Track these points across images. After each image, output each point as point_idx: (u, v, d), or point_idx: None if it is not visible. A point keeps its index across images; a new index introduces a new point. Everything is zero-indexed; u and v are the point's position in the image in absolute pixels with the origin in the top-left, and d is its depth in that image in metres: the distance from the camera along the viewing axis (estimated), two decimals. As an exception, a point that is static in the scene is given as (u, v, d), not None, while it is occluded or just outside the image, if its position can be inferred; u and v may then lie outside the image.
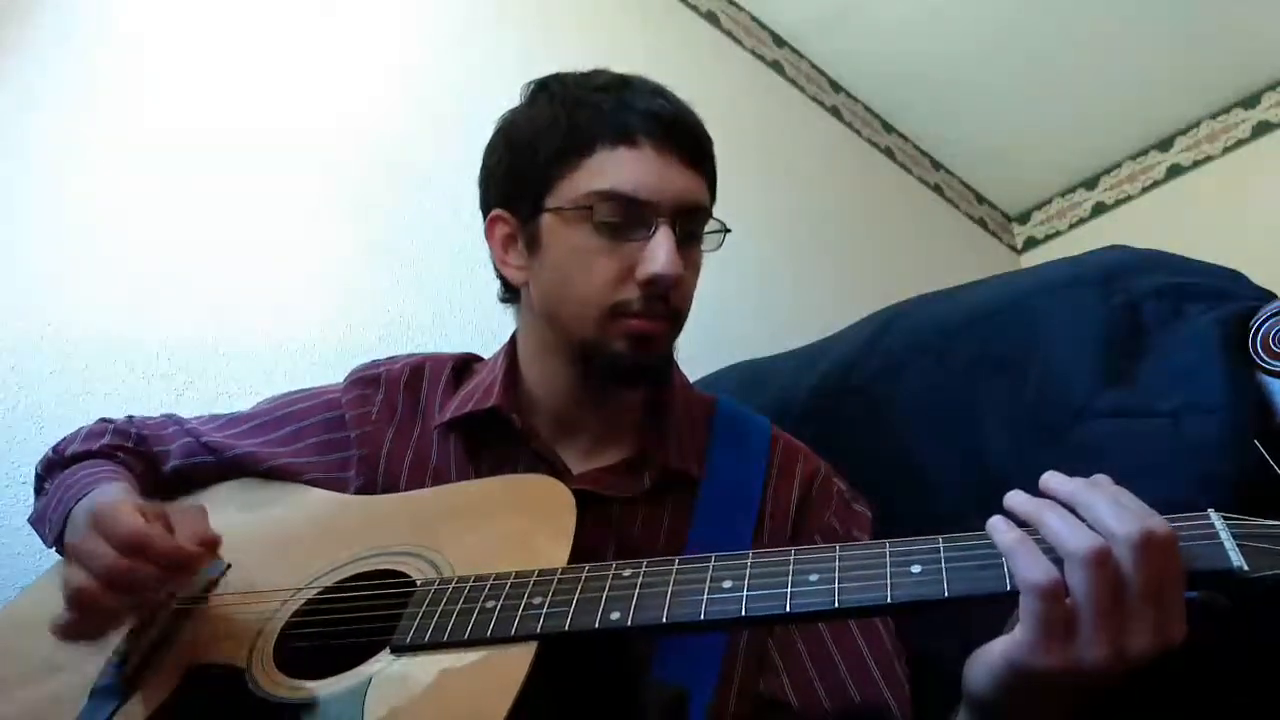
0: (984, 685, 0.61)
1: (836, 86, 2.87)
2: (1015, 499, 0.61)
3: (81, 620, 0.73)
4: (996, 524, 0.61)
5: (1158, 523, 0.56)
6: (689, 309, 0.94)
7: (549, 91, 0.95)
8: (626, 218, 0.87)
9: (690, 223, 0.91)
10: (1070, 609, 0.56)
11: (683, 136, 0.91)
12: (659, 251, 0.86)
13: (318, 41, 1.77)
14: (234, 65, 1.65)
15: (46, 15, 1.49)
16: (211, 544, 0.76)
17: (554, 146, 0.90)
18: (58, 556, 0.92)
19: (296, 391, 1.06)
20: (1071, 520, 0.58)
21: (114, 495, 0.86)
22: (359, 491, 0.94)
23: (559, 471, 0.92)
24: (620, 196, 0.87)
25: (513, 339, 1.02)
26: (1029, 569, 0.57)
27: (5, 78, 1.42)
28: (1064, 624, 0.56)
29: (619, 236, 0.88)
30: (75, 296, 1.36)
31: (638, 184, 0.87)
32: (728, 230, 0.96)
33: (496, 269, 0.99)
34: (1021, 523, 0.60)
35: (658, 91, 0.94)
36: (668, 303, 0.89)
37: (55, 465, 0.98)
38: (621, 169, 0.88)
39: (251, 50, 1.68)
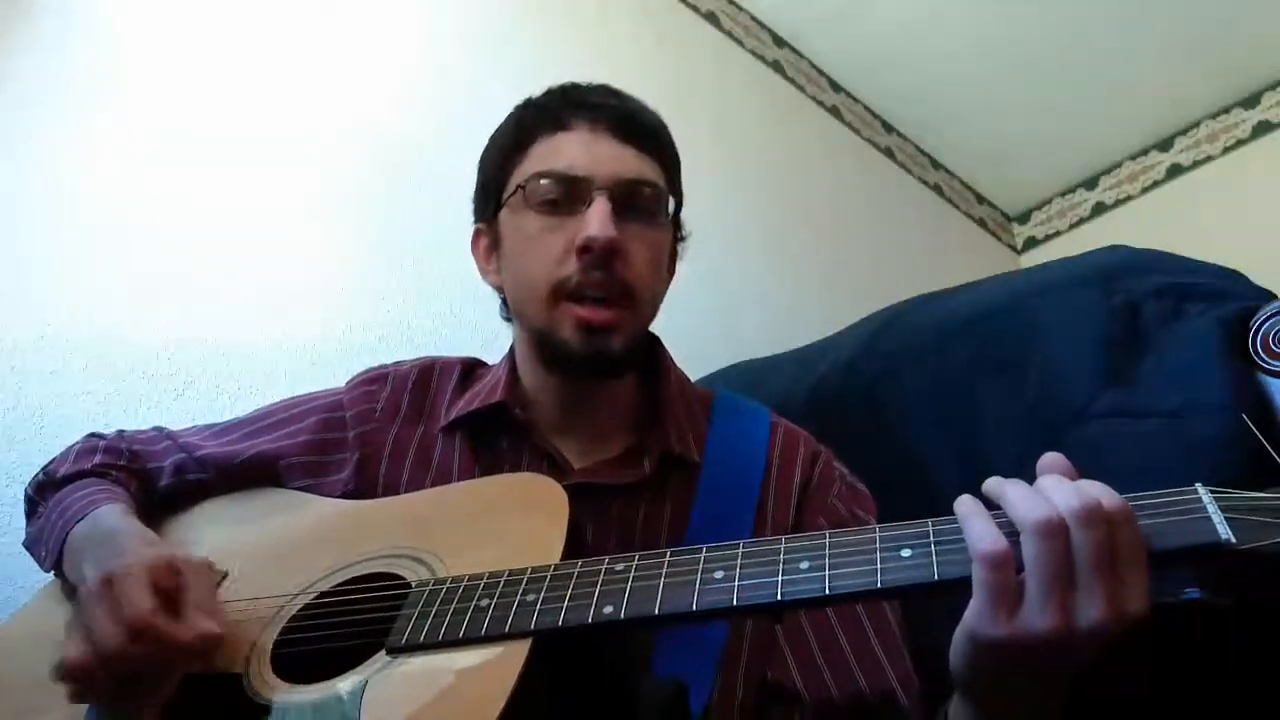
0: (954, 662, 0.62)
1: (836, 86, 2.87)
2: (990, 482, 0.62)
3: (77, 690, 0.71)
4: (962, 498, 0.62)
5: (1109, 498, 0.57)
6: (647, 292, 0.93)
7: (512, 111, 1.01)
8: (562, 194, 0.90)
9: (634, 197, 0.91)
10: (1019, 578, 0.57)
11: (617, 116, 0.94)
12: (592, 218, 0.87)
13: (318, 42, 1.78)
14: (234, 65, 1.65)
15: (47, 16, 1.49)
16: (216, 641, 0.71)
17: (504, 149, 0.96)
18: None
19: (298, 395, 1.06)
20: (1029, 492, 0.59)
21: (117, 524, 0.85)
22: (354, 493, 0.94)
23: (561, 467, 0.93)
24: (553, 174, 0.90)
25: (513, 345, 1.03)
26: (978, 536, 0.58)
27: (5, 78, 1.42)
28: (1011, 592, 0.57)
29: (558, 213, 0.90)
30: (75, 296, 1.36)
31: (570, 161, 0.90)
32: (679, 201, 0.97)
33: (487, 283, 1.02)
34: (995, 507, 0.61)
35: (607, 90, 0.97)
36: (611, 274, 0.88)
37: (47, 487, 0.96)
38: (556, 150, 0.92)
39: (251, 50, 1.68)
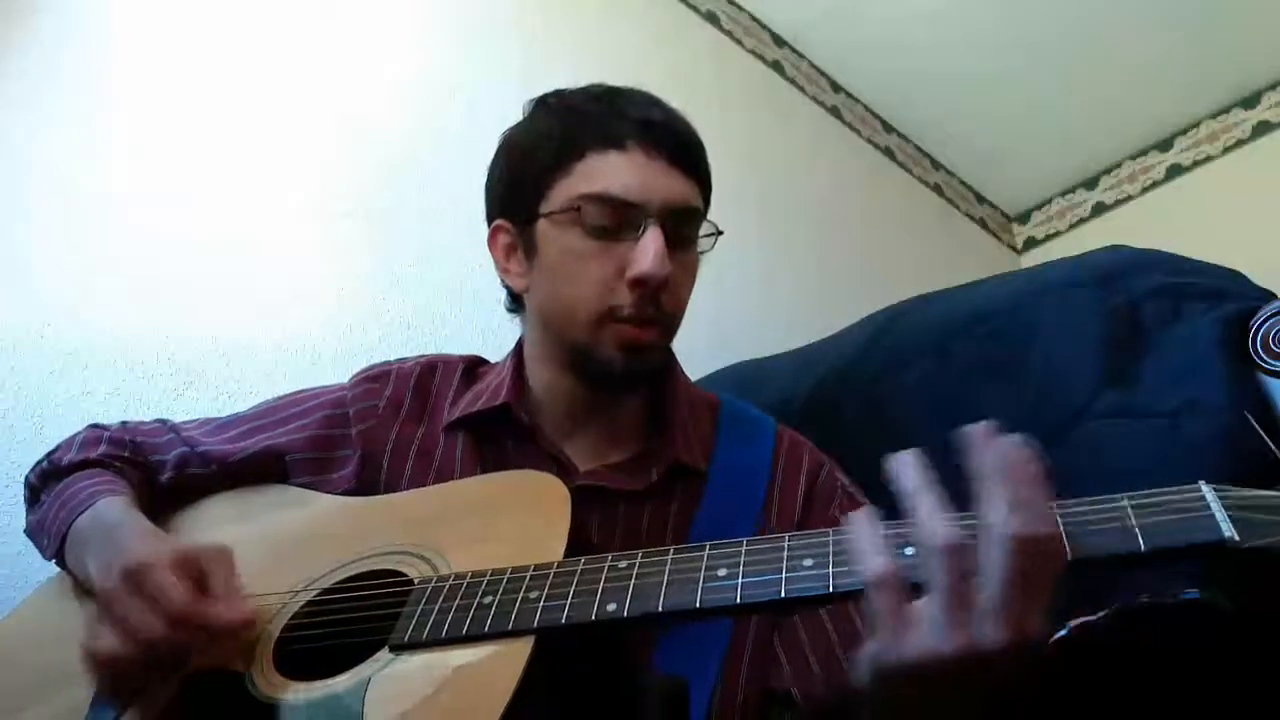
0: (859, 678, 0.60)
1: (836, 86, 2.87)
2: (905, 478, 0.59)
3: (110, 682, 0.71)
4: (855, 515, 0.60)
5: (1026, 521, 0.54)
6: (682, 313, 0.95)
7: (546, 105, 0.98)
8: (616, 219, 0.88)
9: (681, 225, 0.91)
10: (916, 595, 0.56)
11: (672, 140, 0.92)
12: (647, 251, 0.87)
13: (318, 42, 1.78)
14: (234, 65, 1.65)
15: (48, 16, 1.49)
16: (252, 622, 0.73)
17: (548, 154, 0.92)
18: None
19: (300, 391, 1.05)
20: (934, 510, 0.57)
21: (120, 517, 0.85)
22: (357, 490, 0.94)
23: (566, 469, 0.93)
24: (609, 198, 0.88)
25: (519, 343, 1.02)
26: (863, 557, 0.57)
27: (6, 78, 1.42)
28: (902, 611, 0.55)
29: (609, 238, 0.89)
30: (75, 296, 1.36)
31: (626, 186, 0.88)
32: (720, 233, 0.96)
33: (501, 279, 1.00)
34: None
35: (651, 100, 0.95)
36: (659, 305, 0.89)
37: (51, 476, 0.96)
38: (610, 172, 0.89)
39: (251, 50, 1.68)
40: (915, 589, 0.56)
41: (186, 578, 0.72)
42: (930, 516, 0.57)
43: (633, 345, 0.89)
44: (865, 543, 0.58)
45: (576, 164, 0.90)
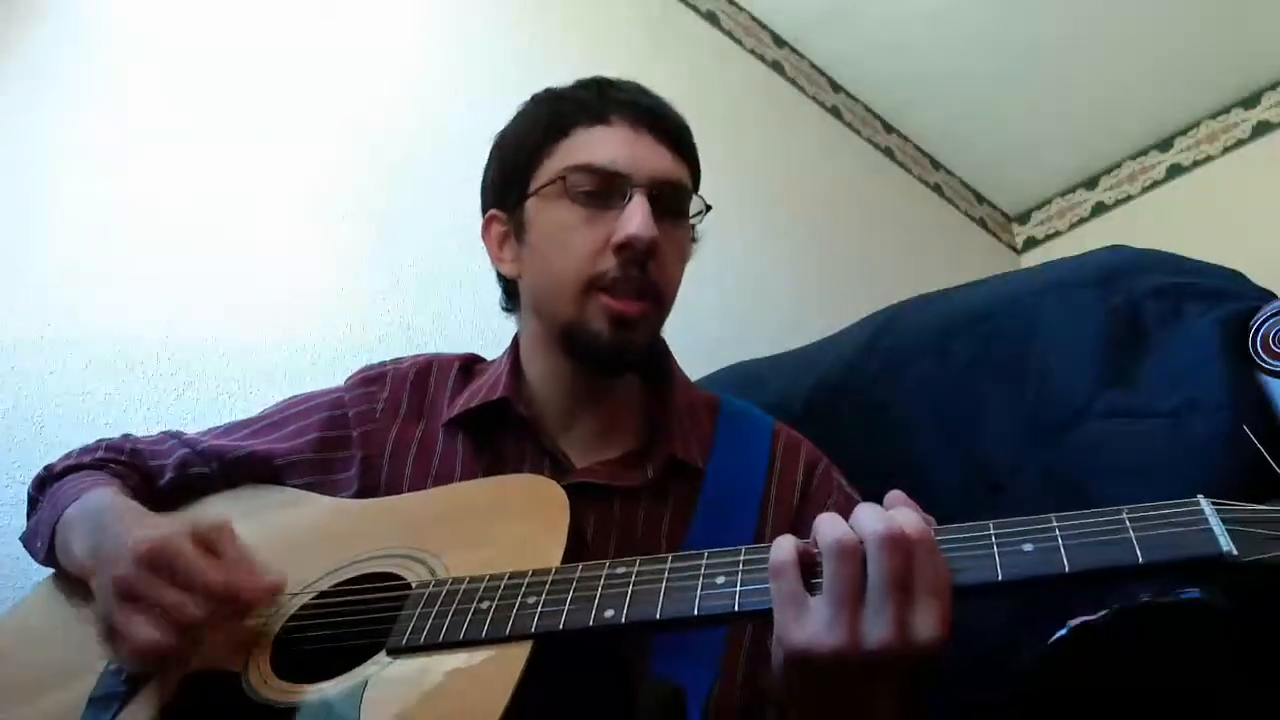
0: (773, 663, 0.63)
1: (836, 86, 2.87)
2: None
3: (154, 669, 0.71)
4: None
5: (914, 526, 0.58)
6: (673, 291, 0.95)
7: (535, 99, 1.00)
8: (602, 188, 0.90)
9: (669, 198, 0.92)
10: (810, 591, 0.60)
11: (657, 117, 0.94)
12: (633, 216, 0.88)
13: (319, 43, 1.78)
14: (235, 66, 1.65)
15: (48, 16, 1.49)
16: (280, 589, 0.74)
17: (535, 138, 0.95)
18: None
19: (300, 394, 1.06)
20: (836, 517, 0.62)
21: (106, 502, 0.85)
22: (360, 492, 0.94)
23: (563, 466, 0.93)
24: (594, 168, 0.90)
25: (515, 340, 1.03)
26: (773, 547, 0.61)
27: (6, 78, 1.42)
28: (793, 600, 0.59)
29: (595, 207, 0.90)
30: (75, 296, 1.36)
31: (611, 156, 0.90)
32: (709, 207, 0.97)
33: (496, 272, 1.01)
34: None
35: (637, 87, 0.97)
36: (645, 274, 0.89)
37: (47, 481, 0.96)
38: (596, 144, 0.91)
39: (251, 50, 1.68)
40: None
41: (206, 553, 0.72)
42: (829, 521, 0.60)
43: (620, 318, 0.89)
44: (780, 538, 0.62)
45: (563, 141, 0.93)
